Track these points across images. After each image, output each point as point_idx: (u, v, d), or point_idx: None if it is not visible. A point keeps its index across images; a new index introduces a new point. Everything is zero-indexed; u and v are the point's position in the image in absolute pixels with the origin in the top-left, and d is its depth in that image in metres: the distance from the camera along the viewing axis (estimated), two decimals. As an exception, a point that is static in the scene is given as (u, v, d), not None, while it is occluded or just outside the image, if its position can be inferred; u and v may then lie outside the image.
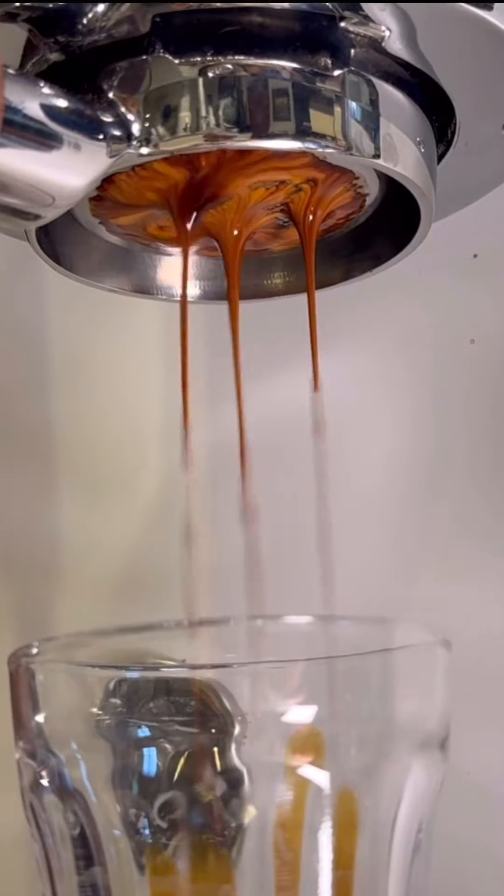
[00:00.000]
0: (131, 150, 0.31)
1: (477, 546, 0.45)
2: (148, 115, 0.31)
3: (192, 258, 0.40)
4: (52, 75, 0.32)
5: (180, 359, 0.35)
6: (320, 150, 0.32)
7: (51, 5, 0.30)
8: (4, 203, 0.30)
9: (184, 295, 0.36)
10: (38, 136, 0.29)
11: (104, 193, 0.35)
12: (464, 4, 0.30)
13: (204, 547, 0.48)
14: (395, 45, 0.32)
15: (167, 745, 0.31)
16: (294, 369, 0.48)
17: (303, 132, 0.31)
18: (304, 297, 0.40)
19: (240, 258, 0.36)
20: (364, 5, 0.31)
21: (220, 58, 0.31)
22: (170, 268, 0.40)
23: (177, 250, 0.39)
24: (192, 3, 0.31)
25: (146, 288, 0.40)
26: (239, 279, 0.36)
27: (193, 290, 0.40)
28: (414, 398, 0.46)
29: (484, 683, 0.43)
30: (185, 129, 0.31)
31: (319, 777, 0.31)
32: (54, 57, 0.32)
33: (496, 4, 0.31)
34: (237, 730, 0.31)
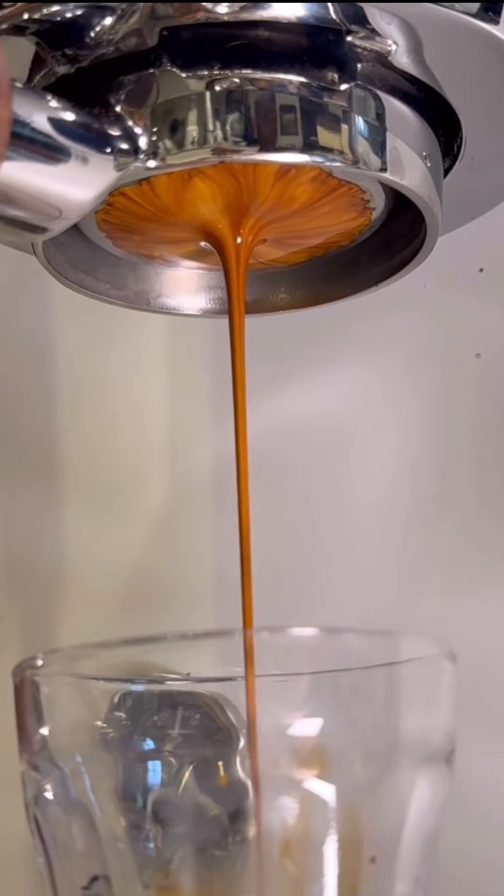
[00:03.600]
0: (138, 164, 0.31)
1: (483, 559, 0.45)
2: (155, 129, 0.31)
3: (200, 271, 0.40)
4: (59, 89, 0.32)
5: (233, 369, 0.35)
6: (327, 163, 0.32)
7: (59, 19, 0.30)
8: (12, 216, 0.30)
9: (238, 311, 0.36)
10: (45, 150, 0.29)
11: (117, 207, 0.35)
12: (470, 18, 0.31)
13: (208, 559, 0.48)
14: (402, 59, 0.32)
15: (171, 759, 0.31)
16: (300, 383, 0.48)
17: (310, 146, 0.31)
18: (309, 311, 0.40)
19: (244, 269, 0.36)
20: (371, 20, 0.31)
21: (227, 71, 0.31)
22: (175, 282, 0.40)
23: (182, 263, 0.40)
24: (198, 17, 0.31)
25: (151, 302, 0.40)
26: (242, 292, 0.36)
27: (202, 303, 0.40)
28: (420, 412, 0.46)
29: (490, 697, 0.43)
30: (192, 143, 0.31)
31: (324, 791, 0.31)
32: (62, 70, 0.32)
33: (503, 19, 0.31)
34: (241, 743, 0.31)
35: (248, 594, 0.35)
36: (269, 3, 0.30)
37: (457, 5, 0.30)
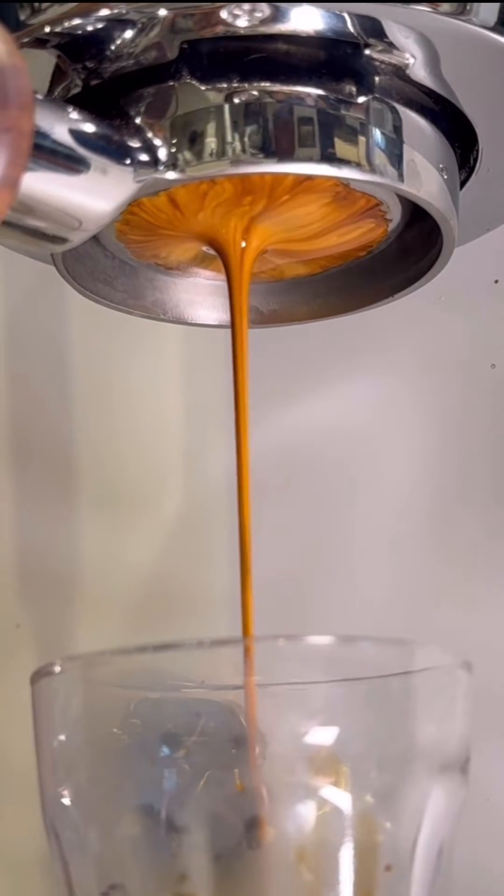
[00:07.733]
0: (158, 175, 0.31)
1: (499, 569, 0.45)
2: (175, 141, 0.31)
3: (217, 282, 0.40)
4: (80, 101, 0.32)
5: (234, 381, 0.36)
6: (344, 175, 0.32)
7: (79, 32, 0.31)
8: (32, 226, 0.30)
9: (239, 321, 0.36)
10: (66, 161, 0.30)
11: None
12: (487, 32, 0.31)
13: (223, 567, 0.48)
14: (419, 72, 0.32)
15: (187, 766, 0.31)
16: (314, 394, 0.48)
17: (327, 158, 0.31)
18: (325, 322, 0.41)
19: (247, 276, 0.36)
20: (388, 33, 0.31)
21: (246, 84, 0.31)
22: (193, 292, 0.40)
23: (200, 274, 0.40)
24: (218, 31, 0.31)
25: (169, 312, 0.40)
26: (245, 301, 0.36)
27: (219, 313, 0.40)
28: (435, 423, 0.46)
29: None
30: (211, 155, 0.31)
31: (340, 799, 0.31)
32: (82, 83, 0.32)
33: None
34: (257, 751, 0.31)
35: (248, 601, 0.35)
36: (287, 17, 0.31)
37: (474, 19, 0.31)
